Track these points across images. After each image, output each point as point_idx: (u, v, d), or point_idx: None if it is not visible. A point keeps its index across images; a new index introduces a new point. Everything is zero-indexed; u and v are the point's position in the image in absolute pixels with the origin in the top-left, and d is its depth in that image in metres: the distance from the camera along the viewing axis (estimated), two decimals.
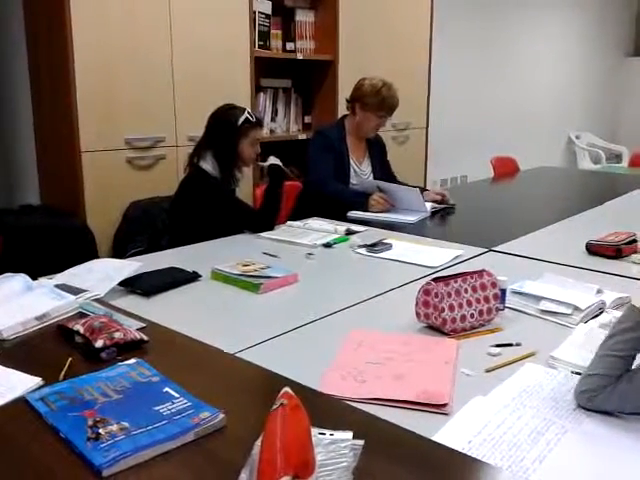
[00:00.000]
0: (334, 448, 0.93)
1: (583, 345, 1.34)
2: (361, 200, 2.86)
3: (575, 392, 1.12)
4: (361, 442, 0.95)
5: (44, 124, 3.12)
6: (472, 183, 4.62)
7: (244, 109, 2.54)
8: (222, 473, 0.90)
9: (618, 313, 1.48)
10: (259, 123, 2.60)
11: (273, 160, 2.61)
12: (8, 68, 3.27)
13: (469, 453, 0.96)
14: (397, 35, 4.40)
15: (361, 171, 3.12)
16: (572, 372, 1.23)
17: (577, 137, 7.70)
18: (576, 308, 1.52)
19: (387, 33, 4.32)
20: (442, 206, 2.94)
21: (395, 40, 4.39)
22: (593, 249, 2.11)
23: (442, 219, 2.84)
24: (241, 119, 2.49)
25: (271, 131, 3.90)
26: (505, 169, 4.53)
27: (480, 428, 1.03)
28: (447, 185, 5.79)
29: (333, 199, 2.88)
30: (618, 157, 7.67)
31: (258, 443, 0.89)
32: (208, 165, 2.50)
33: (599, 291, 1.63)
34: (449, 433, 1.02)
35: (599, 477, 0.93)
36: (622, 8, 8.03)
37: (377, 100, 2.97)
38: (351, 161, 3.08)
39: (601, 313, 1.54)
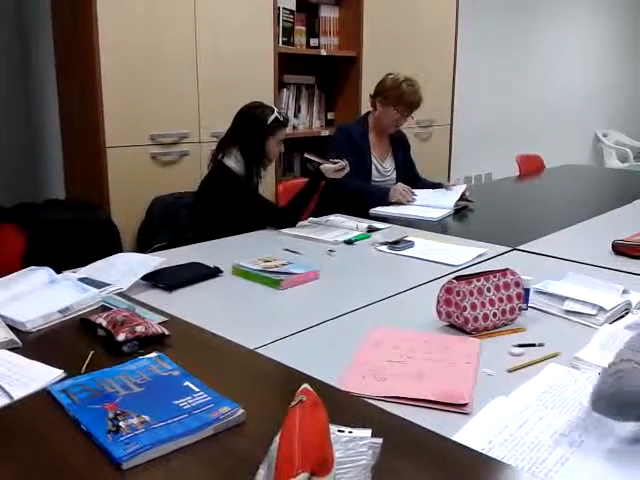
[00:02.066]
0: (353, 446, 0.92)
1: (608, 346, 1.32)
2: (382, 194, 2.85)
3: (599, 384, 0.99)
4: (380, 440, 0.94)
5: (70, 120, 3.16)
6: (497, 181, 4.57)
7: (273, 108, 2.55)
8: (241, 468, 0.90)
9: None
10: (287, 123, 2.61)
11: (330, 170, 2.49)
12: (36, 65, 3.32)
13: (489, 453, 0.95)
14: (422, 31, 4.37)
15: (384, 169, 3.11)
16: (599, 374, 1.21)
17: (604, 135, 7.58)
18: (601, 309, 1.50)
19: (412, 29, 4.29)
20: (464, 203, 2.92)
21: (420, 36, 4.36)
22: (619, 249, 2.07)
23: (465, 217, 2.82)
24: (271, 118, 2.50)
25: (294, 127, 3.90)
26: (530, 167, 4.47)
27: (501, 428, 1.02)
28: (471, 183, 5.74)
29: (353, 195, 2.87)
30: None
31: (277, 439, 0.89)
32: (232, 161, 2.51)
33: (625, 292, 1.60)
34: (469, 433, 1.01)
35: None
36: None
37: (396, 94, 2.97)
38: (373, 158, 3.07)
39: (626, 314, 1.51)
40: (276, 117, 2.52)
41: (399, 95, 2.96)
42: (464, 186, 3.04)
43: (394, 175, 3.14)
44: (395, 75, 3.01)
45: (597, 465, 0.94)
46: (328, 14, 3.96)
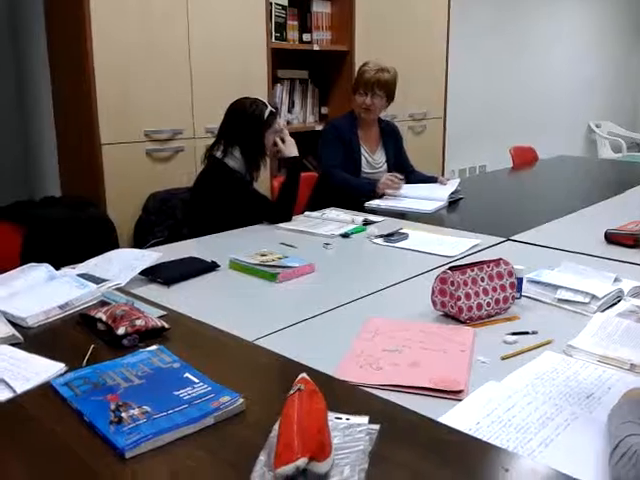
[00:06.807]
0: (350, 432, 0.95)
1: (600, 334, 1.35)
2: (369, 187, 2.87)
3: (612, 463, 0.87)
4: (377, 427, 0.97)
5: (65, 117, 3.16)
6: (491, 172, 4.59)
7: (263, 101, 2.55)
8: (241, 456, 0.92)
9: (636, 301, 1.49)
10: (278, 111, 2.66)
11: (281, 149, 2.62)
12: (29, 62, 3.32)
13: (476, 434, 0.98)
14: (414, 25, 4.38)
15: (374, 160, 3.12)
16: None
17: (597, 126, 7.61)
18: (593, 297, 1.52)
19: (404, 23, 4.30)
20: (458, 196, 2.94)
21: (412, 30, 4.37)
22: (612, 238, 2.10)
23: (459, 208, 2.84)
24: (266, 113, 2.51)
25: (288, 122, 3.91)
26: (524, 158, 4.49)
27: (490, 411, 1.04)
28: (466, 175, 5.76)
29: (340, 188, 2.89)
30: (639, 146, 7.57)
31: (276, 427, 0.91)
32: (235, 162, 2.49)
33: (617, 279, 1.62)
34: (458, 414, 1.04)
35: (604, 462, 0.92)
36: None
37: (356, 77, 3.09)
38: (362, 150, 3.08)
39: (619, 302, 1.53)
40: (270, 110, 2.53)
41: (357, 78, 3.07)
42: (458, 180, 3.06)
43: (385, 167, 3.15)
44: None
45: (581, 447, 0.96)
46: (320, 9, 3.97)
